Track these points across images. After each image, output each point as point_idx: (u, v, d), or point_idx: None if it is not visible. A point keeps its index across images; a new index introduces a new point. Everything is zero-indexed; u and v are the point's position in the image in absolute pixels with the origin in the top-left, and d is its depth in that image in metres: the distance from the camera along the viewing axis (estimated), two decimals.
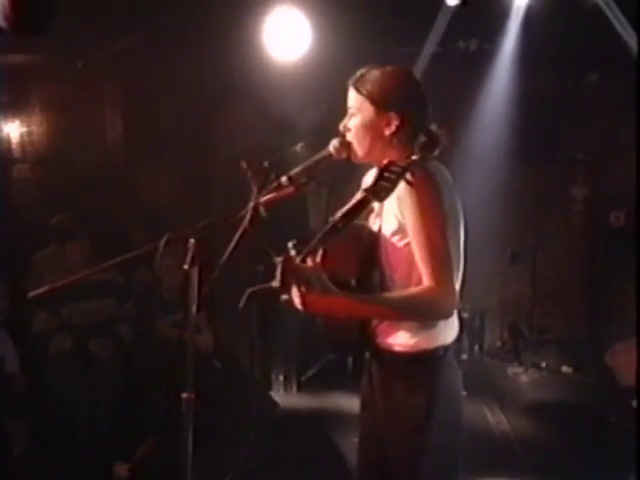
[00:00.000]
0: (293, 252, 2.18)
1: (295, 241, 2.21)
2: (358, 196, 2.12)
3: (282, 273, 2.15)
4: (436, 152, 2.38)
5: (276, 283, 2.17)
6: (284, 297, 2.22)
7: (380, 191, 2.03)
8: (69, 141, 6.58)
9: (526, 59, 6.58)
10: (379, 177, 2.03)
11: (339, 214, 2.16)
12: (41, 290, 2.51)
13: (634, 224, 5.96)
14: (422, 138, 2.39)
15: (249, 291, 2.26)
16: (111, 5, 5.38)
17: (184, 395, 2.41)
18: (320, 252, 2.29)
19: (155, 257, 2.48)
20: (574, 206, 7.47)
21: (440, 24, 6.23)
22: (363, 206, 2.15)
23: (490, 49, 6.70)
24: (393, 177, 2.02)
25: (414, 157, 2.11)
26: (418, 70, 6.11)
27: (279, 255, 2.18)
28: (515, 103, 6.79)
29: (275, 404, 5.68)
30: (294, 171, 2.43)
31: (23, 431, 4.58)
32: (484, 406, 5.72)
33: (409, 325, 2.35)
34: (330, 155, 2.44)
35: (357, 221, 2.41)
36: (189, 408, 2.41)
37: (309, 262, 2.22)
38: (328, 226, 2.18)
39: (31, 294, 2.49)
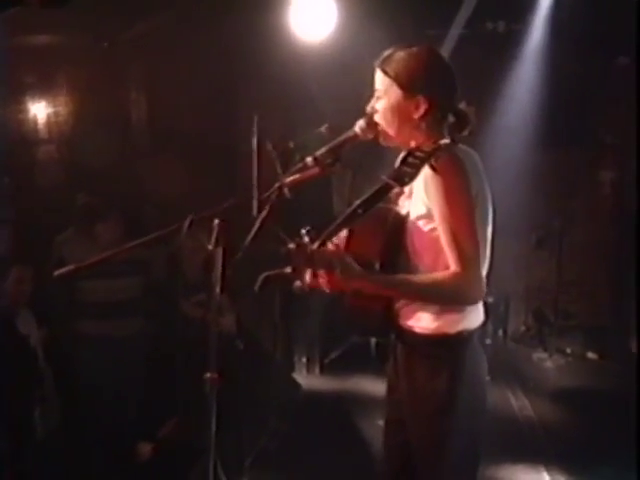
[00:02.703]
0: (306, 239, 2.17)
1: (308, 227, 2.21)
2: (380, 182, 2.10)
3: (294, 260, 2.16)
4: (466, 132, 2.34)
5: (289, 269, 2.18)
6: (297, 283, 2.22)
7: (403, 177, 2.01)
8: (95, 122, 6.59)
9: (555, 41, 6.51)
10: (402, 162, 2.01)
11: (359, 200, 2.14)
12: (66, 269, 2.52)
13: None
14: (451, 118, 2.35)
15: (264, 275, 2.27)
16: None
17: (207, 375, 2.41)
18: (345, 235, 2.29)
19: (179, 237, 2.48)
20: (602, 190, 7.39)
21: (467, 5, 6.17)
22: (385, 192, 2.13)
23: (518, 31, 6.63)
24: (417, 162, 2.00)
25: (442, 141, 2.09)
26: (445, 52, 6.02)
27: (293, 240, 2.18)
28: (543, 86, 6.72)
29: (297, 386, 5.70)
30: (319, 152, 2.40)
31: (47, 411, 4.63)
32: (508, 391, 5.71)
33: (431, 309, 2.33)
34: (356, 135, 2.41)
35: (385, 205, 2.40)
36: (212, 388, 2.41)
37: (330, 246, 2.21)
38: (348, 212, 2.17)
39: (56, 273, 2.50)
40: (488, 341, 6.75)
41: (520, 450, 4.69)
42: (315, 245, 2.18)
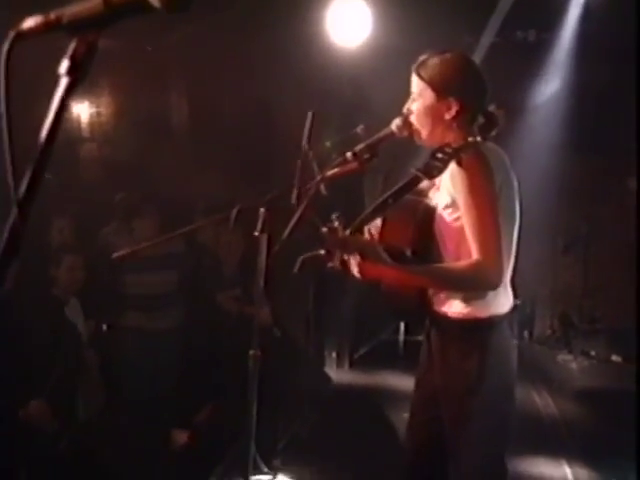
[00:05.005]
0: (337, 223, 2.36)
1: (338, 213, 2.39)
2: (410, 175, 2.29)
3: (327, 242, 2.36)
4: (494, 132, 2.51)
5: (322, 251, 2.37)
6: (330, 264, 2.41)
7: (431, 170, 2.20)
8: (136, 122, 6.79)
9: (584, 50, 6.59)
10: (432, 157, 2.20)
11: (390, 191, 2.33)
12: (122, 252, 2.72)
13: None
14: (481, 120, 2.53)
15: (301, 258, 2.46)
16: None
17: (251, 352, 2.59)
18: (379, 224, 2.49)
19: (226, 227, 2.67)
20: (628, 196, 7.45)
21: (499, 14, 6.28)
22: (413, 184, 2.32)
23: (548, 40, 6.73)
24: (445, 157, 2.19)
25: (469, 139, 2.27)
26: (476, 60, 6.14)
27: (325, 225, 2.38)
28: (572, 94, 6.82)
29: (328, 378, 5.85)
30: (358, 147, 2.59)
31: (92, 396, 4.78)
32: (532, 390, 5.78)
33: (461, 295, 2.50)
34: (392, 133, 2.60)
35: (416, 197, 2.58)
36: (256, 364, 2.59)
37: (366, 233, 2.41)
38: (379, 201, 2.36)
39: (114, 255, 2.70)
40: (514, 341, 6.84)
41: (542, 445, 4.79)
42: (348, 232, 2.38)
